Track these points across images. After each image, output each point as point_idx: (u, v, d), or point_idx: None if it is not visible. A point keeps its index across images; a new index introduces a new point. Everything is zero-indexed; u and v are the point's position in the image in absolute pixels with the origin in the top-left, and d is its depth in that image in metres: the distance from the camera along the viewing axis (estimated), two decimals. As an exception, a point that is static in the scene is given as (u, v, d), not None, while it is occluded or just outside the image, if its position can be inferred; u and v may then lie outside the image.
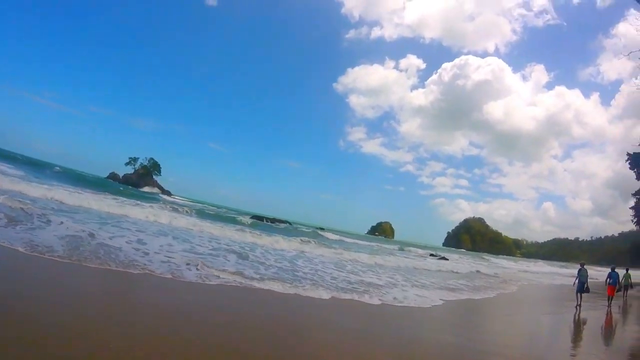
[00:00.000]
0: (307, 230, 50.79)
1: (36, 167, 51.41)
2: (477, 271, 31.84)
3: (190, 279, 9.91)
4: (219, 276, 10.70)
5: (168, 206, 36.82)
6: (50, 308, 6.13)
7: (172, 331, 6.17)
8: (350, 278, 15.37)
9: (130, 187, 75.43)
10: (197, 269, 10.87)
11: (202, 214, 39.64)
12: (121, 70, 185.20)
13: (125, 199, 32.31)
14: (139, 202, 32.02)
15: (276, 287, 10.83)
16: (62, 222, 13.13)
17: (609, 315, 16.40)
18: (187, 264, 11.17)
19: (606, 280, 19.10)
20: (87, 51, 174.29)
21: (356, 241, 50.77)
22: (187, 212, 36.59)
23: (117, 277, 8.91)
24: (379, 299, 11.92)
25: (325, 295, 11.12)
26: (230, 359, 5.55)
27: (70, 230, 12.21)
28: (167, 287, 9.02)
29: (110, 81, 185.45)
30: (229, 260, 13.97)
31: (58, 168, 42.79)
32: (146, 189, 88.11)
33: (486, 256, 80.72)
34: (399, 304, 11.96)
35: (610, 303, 18.28)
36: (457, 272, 27.02)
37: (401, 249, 51.92)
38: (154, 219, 21.41)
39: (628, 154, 44.07)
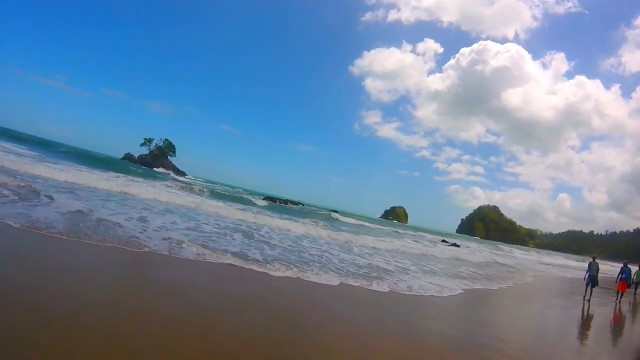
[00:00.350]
0: (319, 212, 50.48)
1: (48, 148, 51.86)
2: (494, 261, 31.17)
3: (186, 256, 9.62)
4: (205, 255, 10.37)
5: (179, 185, 36.85)
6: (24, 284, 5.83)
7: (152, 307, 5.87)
8: (358, 261, 14.96)
9: (143, 167, 75.77)
10: (184, 247, 10.40)
11: (214, 193, 39.62)
12: (134, 53, 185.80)
13: (134, 177, 32.33)
14: (148, 181, 32.06)
15: (275, 270, 10.37)
16: (63, 200, 12.97)
17: (617, 311, 15.97)
18: (179, 243, 10.68)
19: (618, 276, 18.52)
20: (98, 34, 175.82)
21: (368, 224, 50.37)
22: (198, 191, 36.68)
23: (108, 252, 8.63)
24: (389, 287, 11.36)
25: (334, 280, 10.65)
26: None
27: (71, 207, 11.97)
28: (156, 264, 8.72)
29: (123, 64, 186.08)
30: (235, 239, 13.69)
31: (64, 149, 42.68)
32: (160, 169, 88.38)
33: (500, 245, 79.91)
34: (410, 292, 11.39)
35: (620, 299, 17.76)
36: (468, 261, 26.35)
37: (413, 234, 51.45)
38: (162, 198, 21.17)
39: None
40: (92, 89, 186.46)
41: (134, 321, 5.28)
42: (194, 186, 41.67)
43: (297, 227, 22.64)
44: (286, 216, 30.10)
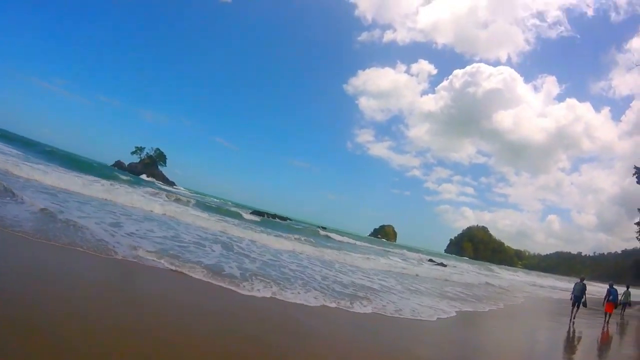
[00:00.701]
0: (306, 228, 49.79)
1: (32, 148, 50.79)
2: (484, 282, 30.72)
3: (153, 265, 9.05)
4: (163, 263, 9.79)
5: (164, 194, 36.15)
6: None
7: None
8: (341, 279, 14.45)
9: (130, 174, 74.86)
10: (150, 256, 9.83)
11: (200, 204, 38.82)
12: (131, 61, 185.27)
13: (118, 184, 31.56)
14: (132, 188, 31.36)
15: (249, 286, 9.74)
16: (35, 200, 12.30)
17: (605, 332, 15.78)
18: (148, 251, 10.07)
19: (605, 297, 18.19)
20: (97, 42, 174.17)
21: (355, 242, 49.84)
22: (184, 201, 35.98)
23: (67, 255, 8.11)
24: (374, 309, 10.62)
25: (312, 301, 9.92)
26: None
27: (40, 207, 11.34)
28: (113, 271, 8.23)
29: (120, 72, 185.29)
30: (214, 251, 13.21)
31: (48, 149, 41.66)
32: (146, 177, 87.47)
33: (488, 265, 79.65)
34: (397, 315, 10.69)
35: (608, 320, 17.55)
36: (454, 281, 25.83)
37: (399, 253, 50.95)
38: (143, 205, 20.49)
39: (635, 168, 42.89)
40: (89, 94, 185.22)
41: (71, 326, 4.88)
42: (180, 196, 40.92)
43: (280, 241, 22.04)
44: (270, 230, 29.54)
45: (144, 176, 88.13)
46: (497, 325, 13.84)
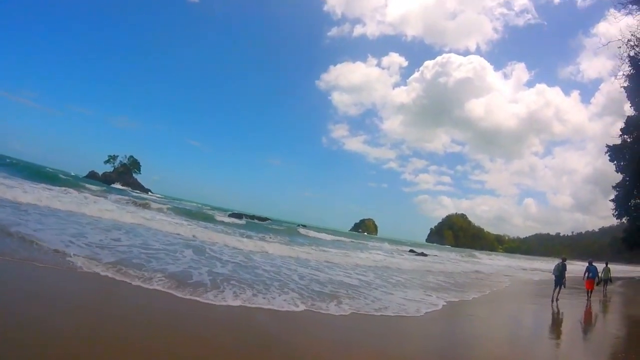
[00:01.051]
0: (284, 228, 48.96)
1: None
2: (464, 270, 30.64)
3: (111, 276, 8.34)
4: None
5: (137, 202, 35.09)
6: None
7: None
8: (318, 277, 13.95)
9: (103, 184, 73.02)
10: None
11: (174, 210, 37.61)
12: (101, 69, 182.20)
13: (88, 194, 30.37)
14: (100, 197, 30.24)
15: (214, 296, 9.05)
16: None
17: (587, 309, 15.94)
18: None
19: (584, 275, 18.45)
20: (65, 51, 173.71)
21: (335, 237, 49.36)
22: (157, 208, 34.92)
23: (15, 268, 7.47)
24: (351, 307, 9.85)
25: (285, 305, 9.22)
26: None
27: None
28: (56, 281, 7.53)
29: (90, 80, 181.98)
30: (185, 256, 12.56)
31: (9, 160, 39.57)
32: (117, 185, 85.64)
33: (469, 251, 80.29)
34: (381, 314, 9.88)
35: (590, 297, 17.79)
36: (434, 271, 25.53)
37: (379, 245, 50.80)
38: (112, 215, 19.48)
39: (607, 146, 43.51)
40: (60, 105, 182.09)
41: None
42: (152, 202, 39.75)
43: (255, 243, 21.37)
44: (244, 231, 28.98)
45: (117, 185, 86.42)
46: (484, 313, 13.39)
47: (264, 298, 9.21)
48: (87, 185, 43.66)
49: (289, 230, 44.64)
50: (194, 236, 18.67)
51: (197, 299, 8.16)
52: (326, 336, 7.51)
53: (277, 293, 9.94)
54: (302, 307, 9.07)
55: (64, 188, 30.21)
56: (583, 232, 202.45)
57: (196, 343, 5.73)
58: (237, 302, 8.44)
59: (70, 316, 5.95)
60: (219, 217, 42.79)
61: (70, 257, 9.11)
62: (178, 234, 18.29)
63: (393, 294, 13.22)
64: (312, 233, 47.92)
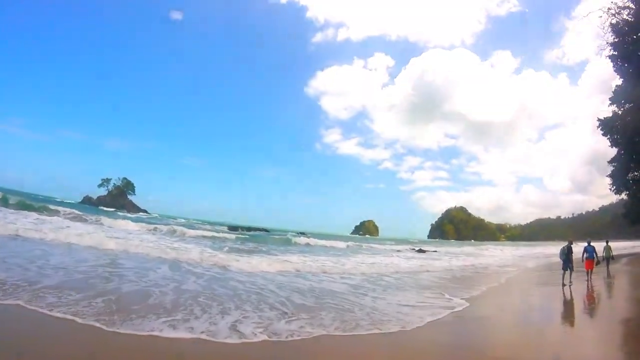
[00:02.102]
0: (280, 237, 47.51)
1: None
2: (470, 264, 29.52)
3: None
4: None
5: (128, 223, 34.05)
6: None
7: None
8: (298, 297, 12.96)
9: (99, 207, 72.22)
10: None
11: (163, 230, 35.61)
12: (89, 91, 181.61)
13: (69, 221, 29.12)
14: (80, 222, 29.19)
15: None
16: None
17: (589, 290, 15.98)
18: None
19: (582, 256, 18.09)
20: (50, 76, 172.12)
21: (332, 243, 47.71)
22: (149, 230, 33.29)
23: None
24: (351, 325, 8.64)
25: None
26: None
27: None
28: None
29: (78, 103, 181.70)
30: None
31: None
32: (107, 208, 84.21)
33: (472, 243, 79.46)
34: (377, 330, 8.23)
35: (590, 277, 17.49)
36: (431, 271, 23.78)
37: (379, 246, 49.86)
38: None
39: (599, 120, 42.42)
40: (49, 130, 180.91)
41: None
42: (148, 224, 37.93)
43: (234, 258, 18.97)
44: (228, 245, 27.42)
45: (103, 207, 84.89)
46: (494, 309, 12.42)
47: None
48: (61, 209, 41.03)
49: (282, 240, 42.95)
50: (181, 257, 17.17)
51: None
52: None
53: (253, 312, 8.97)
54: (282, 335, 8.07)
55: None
56: (584, 212, 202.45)
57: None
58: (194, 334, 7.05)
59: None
60: (216, 233, 40.19)
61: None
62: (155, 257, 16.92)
63: (391, 302, 12.34)
64: (309, 240, 46.22)
